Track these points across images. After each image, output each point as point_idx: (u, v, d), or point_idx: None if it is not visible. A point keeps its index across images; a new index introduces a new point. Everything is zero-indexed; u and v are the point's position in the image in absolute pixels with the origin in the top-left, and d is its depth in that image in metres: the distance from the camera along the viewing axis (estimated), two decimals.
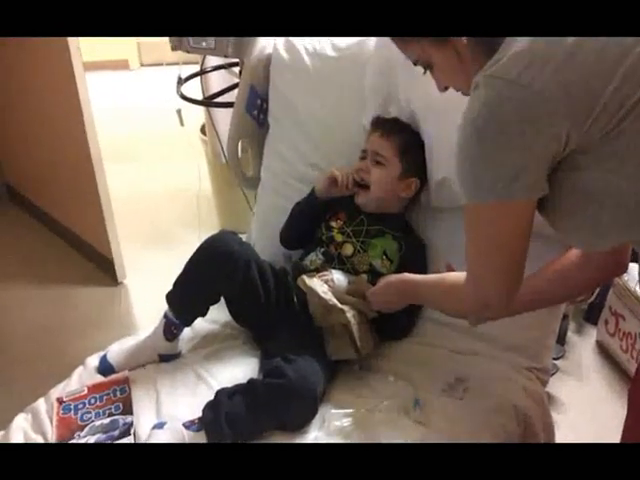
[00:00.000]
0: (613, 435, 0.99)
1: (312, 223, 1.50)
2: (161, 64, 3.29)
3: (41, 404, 1.27)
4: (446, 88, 0.99)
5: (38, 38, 2.18)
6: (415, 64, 0.97)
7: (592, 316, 2.18)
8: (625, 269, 1.11)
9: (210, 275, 1.32)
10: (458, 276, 1.02)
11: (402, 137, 1.43)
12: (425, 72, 0.98)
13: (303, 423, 1.17)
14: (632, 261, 1.10)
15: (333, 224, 1.46)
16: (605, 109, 0.77)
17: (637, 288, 1.91)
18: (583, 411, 1.84)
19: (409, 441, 1.12)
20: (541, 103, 0.77)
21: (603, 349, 2.09)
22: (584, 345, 2.13)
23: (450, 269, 1.19)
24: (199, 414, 1.16)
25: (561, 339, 1.98)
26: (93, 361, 1.37)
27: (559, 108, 0.77)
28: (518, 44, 0.80)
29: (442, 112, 1.36)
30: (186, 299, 1.35)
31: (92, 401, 1.26)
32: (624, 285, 1.95)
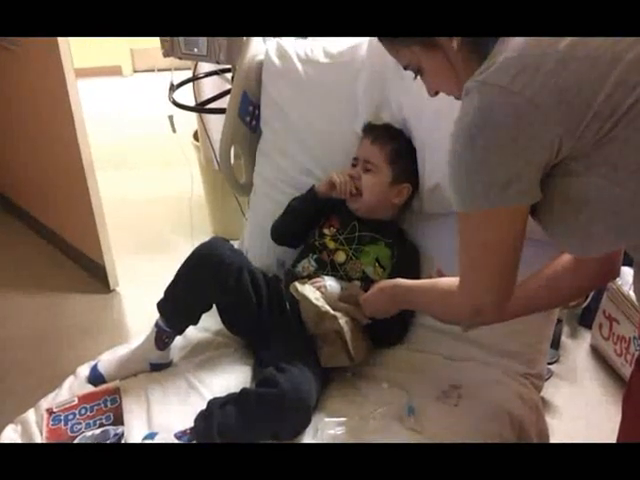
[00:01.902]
0: (607, 440, 0.98)
1: (307, 220, 1.49)
2: (154, 70, 3.28)
3: (31, 415, 1.25)
4: (436, 93, 0.98)
5: (29, 45, 2.21)
6: (405, 69, 0.96)
7: (586, 320, 2.18)
8: (617, 274, 1.10)
9: (202, 283, 1.31)
10: (451, 281, 1.01)
11: (393, 144, 1.43)
12: (416, 77, 0.97)
13: (296, 433, 1.16)
14: (625, 265, 1.10)
15: (326, 231, 1.46)
16: (597, 116, 0.76)
17: (631, 292, 1.91)
18: (577, 415, 1.84)
19: None
20: (533, 110, 0.77)
21: (597, 353, 2.09)
22: (578, 349, 2.13)
23: (441, 274, 1.18)
24: (191, 424, 1.15)
25: (555, 343, 1.98)
26: (84, 371, 1.36)
27: (551, 115, 0.77)
28: (510, 50, 0.80)
29: (434, 118, 1.36)
30: (177, 307, 1.34)
31: (82, 411, 1.24)
32: (618, 289, 1.95)
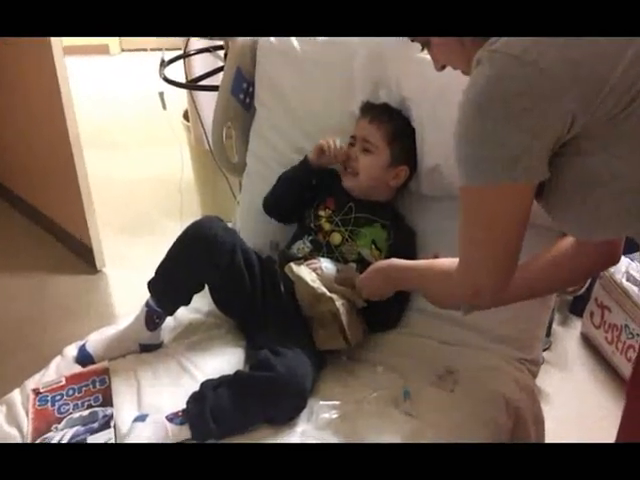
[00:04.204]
0: (597, 426, 0.98)
1: (299, 191, 1.46)
2: (143, 49, 3.22)
3: (16, 395, 1.22)
4: (443, 67, 0.95)
5: None
6: (413, 40, 0.93)
7: (577, 308, 2.18)
8: (618, 260, 1.09)
9: (194, 261, 1.28)
10: (450, 262, 0.99)
11: (392, 123, 1.40)
12: (422, 50, 0.94)
13: (291, 416, 1.13)
14: (624, 254, 1.09)
15: (321, 213, 1.43)
16: (613, 91, 0.74)
17: (623, 280, 1.91)
18: (568, 402, 1.84)
19: (399, 433, 1.10)
20: (546, 82, 0.74)
21: (588, 341, 2.09)
22: (569, 337, 2.14)
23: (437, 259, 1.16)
24: (182, 406, 1.12)
25: (547, 330, 1.97)
26: (71, 351, 1.32)
27: (565, 88, 0.74)
28: None
29: (434, 98, 1.33)
30: (169, 287, 1.31)
31: (70, 392, 1.21)
32: (610, 277, 1.95)
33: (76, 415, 1.16)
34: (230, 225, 1.65)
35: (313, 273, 1.27)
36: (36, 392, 1.21)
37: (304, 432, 1.11)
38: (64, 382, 1.23)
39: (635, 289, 1.87)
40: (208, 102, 2.20)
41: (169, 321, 1.37)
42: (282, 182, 1.49)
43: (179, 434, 1.08)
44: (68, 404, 1.19)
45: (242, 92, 1.62)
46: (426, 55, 1.00)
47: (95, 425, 1.13)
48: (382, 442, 1.07)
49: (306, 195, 1.47)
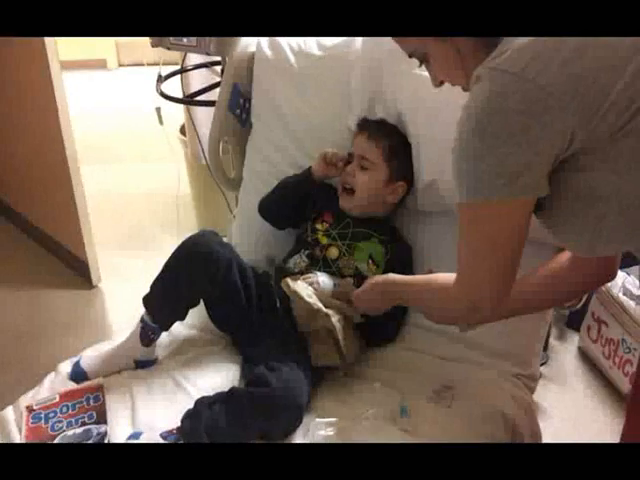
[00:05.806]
0: (595, 441, 0.97)
1: (296, 197, 1.47)
2: (139, 64, 3.23)
3: (9, 413, 1.21)
4: (441, 83, 0.96)
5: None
6: (410, 56, 0.93)
7: (574, 322, 2.17)
8: (614, 275, 1.09)
9: (189, 276, 1.27)
10: (447, 277, 0.99)
11: (389, 140, 1.40)
12: (420, 65, 0.94)
13: (287, 433, 1.12)
14: (621, 268, 1.09)
15: (318, 226, 1.43)
16: (613, 106, 0.74)
17: (620, 294, 1.91)
18: (565, 417, 1.83)
19: None
20: (546, 98, 0.74)
21: (585, 355, 2.08)
22: (566, 351, 2.13)
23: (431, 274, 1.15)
24: (177, 423, 1.11)
25: (544, 345, 1.96)
26: (65, 367, 1.31)
27: (565, 104, 0.74)
28: (523, 37, 0.78)
29: (430, 113, 1.34)
30: (164, 302, 1.30)
31: (64, 409, 1.20)
32: (607, 291, 1.94)
33: (70, 432, 1.15)
34: (226, 240, 1.65)
35: (309, 288, 1.26)
36: (29, 409, 1.20)
37: None
38: (58, 399, 1.22)
39: (632, 303, 1.86)
40: (205, 117, 2.21)
41: (164, 337, 1.36)
42: (280, 186, 1.50)
43: None
44: (62, 421, 1.18)
45: (239, 107, 1.63)
46: (422, 71, 1.00)
47: (89, 443, 1.12)
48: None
49: (302, 204, 1.47)
